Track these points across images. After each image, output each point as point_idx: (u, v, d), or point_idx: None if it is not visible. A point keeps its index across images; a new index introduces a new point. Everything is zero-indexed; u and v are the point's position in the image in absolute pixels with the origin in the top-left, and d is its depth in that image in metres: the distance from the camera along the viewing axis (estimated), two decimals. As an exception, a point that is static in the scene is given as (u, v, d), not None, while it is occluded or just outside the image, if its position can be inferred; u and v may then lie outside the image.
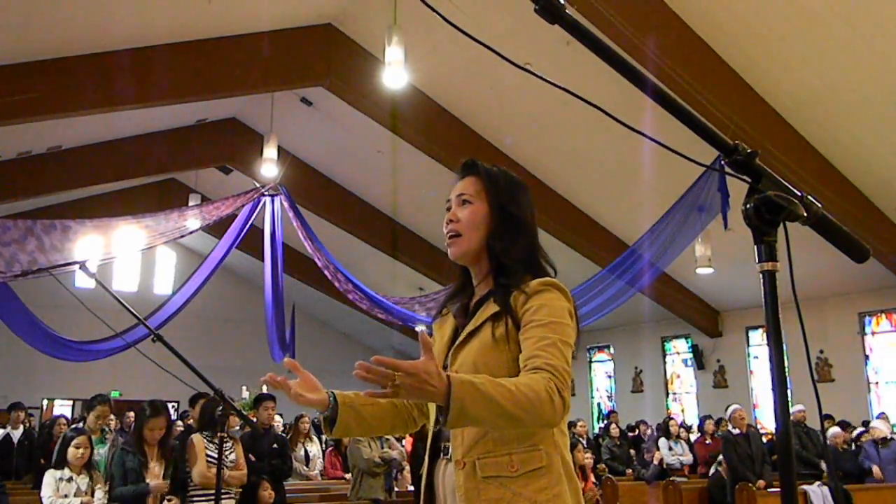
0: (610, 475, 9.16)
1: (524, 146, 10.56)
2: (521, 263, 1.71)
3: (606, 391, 16.79)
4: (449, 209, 1.77)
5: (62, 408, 16.43)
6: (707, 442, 9.91)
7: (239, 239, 9.17)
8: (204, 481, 4.78)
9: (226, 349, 17.74)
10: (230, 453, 5.05)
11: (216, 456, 4.81)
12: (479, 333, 1.66)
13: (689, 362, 15.04)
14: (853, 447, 9.29)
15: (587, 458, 7.85)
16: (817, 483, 7.89)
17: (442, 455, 1.72)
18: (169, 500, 4.66)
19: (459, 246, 1.74)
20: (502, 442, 1.60)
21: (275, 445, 6.19)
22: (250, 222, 9.02)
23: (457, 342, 1.70)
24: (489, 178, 1.76)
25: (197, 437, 4.97)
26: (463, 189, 1.76)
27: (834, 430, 9.05)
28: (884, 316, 12.29)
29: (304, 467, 7.93)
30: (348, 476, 7.62)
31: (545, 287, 1.67)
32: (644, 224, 8.56)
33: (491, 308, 1.67)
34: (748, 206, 1.12)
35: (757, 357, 13.92)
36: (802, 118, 8.38)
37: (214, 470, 4.75)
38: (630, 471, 10.06)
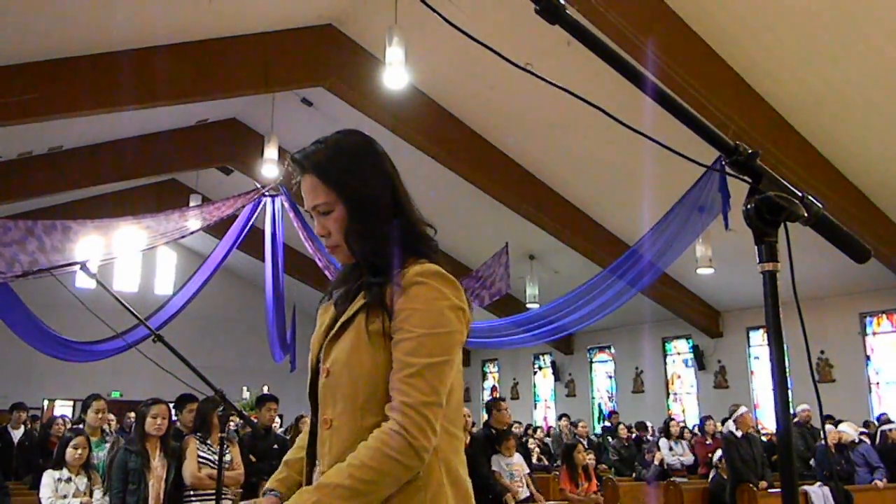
0: (612, 476, 9.15)
1: (524, 146, 10.55)
2: (390, 247, 1.54)
3: (607, 391, 16.79)
4: (312, 217, 1.63)
5: (63, 408, 16.43)
6: (708, 442, 9.90)
7: (240, 239, 9.15)
8: (194, 482, 4.81)
9: (226, 350, 17.76)
10: (225, 454, 5.07)
11: (208, 457, 4.83)
12: (353, 325, 1.51)
13: (690, 363, 15.03)
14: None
15: (589, 459, 7.84)
16: (818, 483, 7.88)
17: (318, 463, 1.54)
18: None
19: (344, 254, 1.61)
20: None
21: (275, 446, 6.20)
22: (251, 223, 9.00)
23: (331, 334, 1.55)
24: (328, 175, 1.56)
25: (190, 438, 5.03)
26: (314, 200, 1.58)
27: (829, 429, 8.96)
28: (885, 316, 12.28)
29: (305, 468, 7.93)
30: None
31: (420, 280, 1.47)
32: (644, 224, 8.55)
33: (363, 298, 1.53)
34: (749, 206, 1.12)
35: (758, 357, 13.90)
36: (803, 118, 8.37)
37: (205, 471, 4.78)
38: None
